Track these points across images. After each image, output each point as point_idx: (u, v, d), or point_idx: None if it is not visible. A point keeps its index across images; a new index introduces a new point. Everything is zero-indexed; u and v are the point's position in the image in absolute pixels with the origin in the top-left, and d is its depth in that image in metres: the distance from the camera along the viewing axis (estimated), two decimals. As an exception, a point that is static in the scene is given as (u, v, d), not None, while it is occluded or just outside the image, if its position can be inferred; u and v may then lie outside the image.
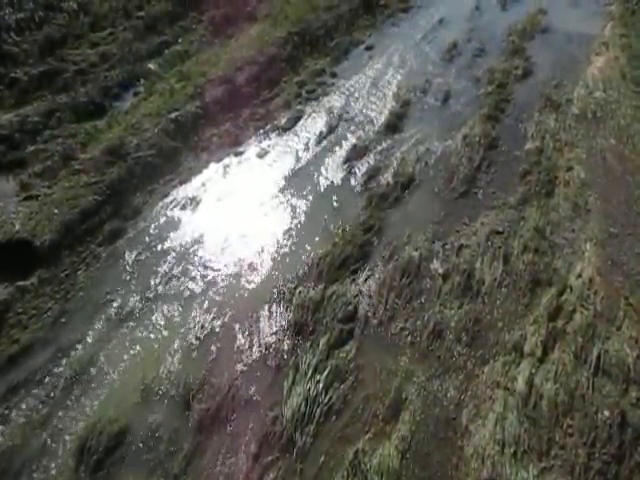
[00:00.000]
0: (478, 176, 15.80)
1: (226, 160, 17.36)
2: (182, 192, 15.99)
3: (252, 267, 13.24)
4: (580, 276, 12.09)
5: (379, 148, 17.41)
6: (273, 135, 18.50)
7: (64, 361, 11.09)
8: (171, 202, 15.62)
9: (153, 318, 11.99)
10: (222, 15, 25.46)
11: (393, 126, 18.35)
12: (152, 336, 11.59)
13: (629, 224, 13.65)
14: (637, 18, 24.14)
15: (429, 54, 22.97)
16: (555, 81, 20.11)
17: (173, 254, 13.78)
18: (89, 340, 11.54)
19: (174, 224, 14.83)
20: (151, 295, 12.57)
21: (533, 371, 10.19)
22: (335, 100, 20.26)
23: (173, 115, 18.39)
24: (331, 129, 18.52)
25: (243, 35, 24.08)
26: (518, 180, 15.48)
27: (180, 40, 24.77)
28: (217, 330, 11.63)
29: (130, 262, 13.59)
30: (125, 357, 11.15)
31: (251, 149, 17.87)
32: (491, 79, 20.52)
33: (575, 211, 14.13)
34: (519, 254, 12.79)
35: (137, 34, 24.43)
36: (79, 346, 11.41)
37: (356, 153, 17.17)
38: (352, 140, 17.86)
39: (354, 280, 12.60)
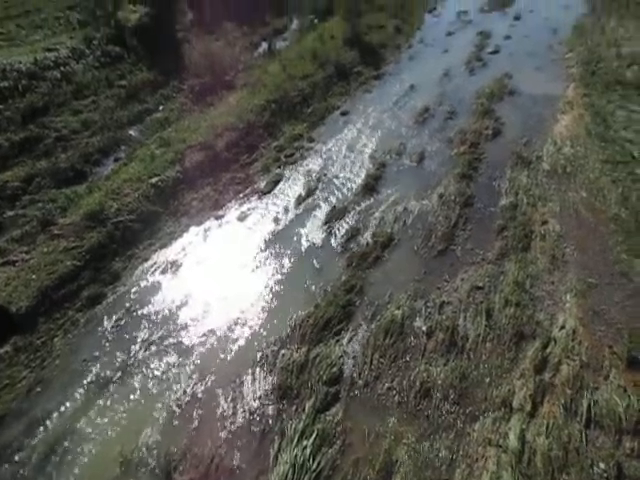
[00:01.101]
0: (456, 233, 16.11)
1: (206, 224, 17.46)
2: (162, 256, 15.94)
3: (234, 330, 13.07)
4: (563, 327, 12.19)
5: (358, 209, 17.72)
6: (253, 198, 18.75)
7: (38, 433, 10.61)
8: (151, 266, 15.52)
9: (133, 386, 11.63)
10: (202, 84, 26.32)
11: (371, 187, 18.78)
12: (131, 405, 11.20)
13: (606, 274, 13.94)
14: (597, 79, 25.65)
15: (402, 118, 23.87)
16: (524, 139, 21.01)
17: (153, 319, 13.56)
18: (65, 410, 11.10)
19: (154, 288, 14.67)
20: (131, 362, 12.25)
21: (524, 426, 10.05)
22: (313, 163, 20.76)
23: (154, 180, 18.59)
24: (310, 191, 18.87)
25: (222, 103, 24.82)
26: (495, 235, 15.83)
27: (161, 108, 25.50)
28: (199, 396, 11.30)
29: (109, 328, 13.31)
30: (103, 427, 10.71)
31: (231, 212, 18.04)
32: (463, 140, 21.34)
33: (553, 263, 14.42)
34: (501, 308, 12.88)
35: (119, 102, 25.09)
36: (55, 416, 10.96)
37: (335, 214, 17.44)
38: (331, 202, 18.18)
39: (338, 341, 12.49)
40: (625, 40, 30.39)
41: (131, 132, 23.18)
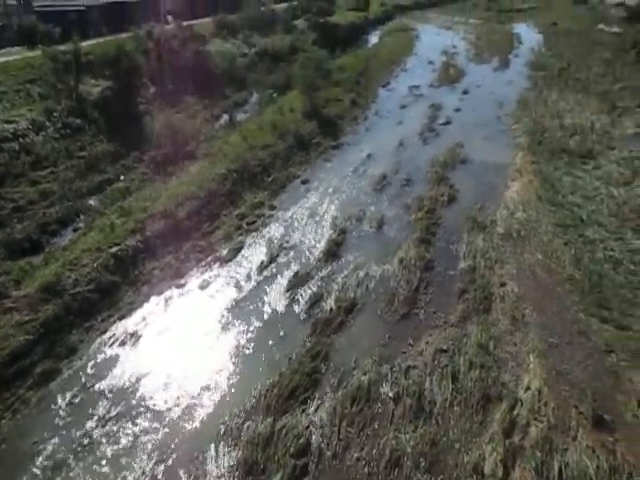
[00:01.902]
0: (418, 297, 16.29)
1: (167, 293, 17.13)
2: (121, 328, 15.42)
3: (197, 403, 12.57)
4: (529, 388, 12.24)
5: (320, 275, 17.78)
6: (215, 266, 18.60)
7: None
8: (110, 338, 14.97)
9: (88, 467, 10.89)
10: (163, 154, 26.57)
11: (332, 253, 18.96)
12: (85, 489, 10.45)
13: (566, 333, 14.24)
14: (543, 147, 27.31)
15: (361, 185, 24.54)
16: (479, 205, 21.87)
17: (111, 394, 12.92)
18: (10, 500, 10.26)
19: (113, 362, 14.09)
20: (86, 441, 11.52)
21: (497, 495, 9.83)
22: (275, 231, 20.91)
23: (113, 250, 18.26)
24: (272, 258, 18.88)
25: (184, 172, 25.02)
26: (456, 298, 16.07)
27: (122, 178, 25.48)
28: (160, 477, 10.66)
29: (63, 406, 12.58)
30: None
31: (193, 281, 17.79)
32: (420, 206, 22.02)
33: (514, 325, 14.67)
34: (466, 371, 12.88)
35: (78, 172, 24.98)
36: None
37: (298, 281, 17.42)
38: (294, 268, 18.19)
39: (304, 411, 12.15)
40: (566, 112, 32.67)
41: (91, 202, 22.99)
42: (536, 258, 17.81)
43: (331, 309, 15.82)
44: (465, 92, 40.08)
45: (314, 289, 16.94)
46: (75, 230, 20.65)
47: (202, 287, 17.39)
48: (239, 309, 16.15)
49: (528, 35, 68.84)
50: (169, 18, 59.42)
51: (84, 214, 21.88)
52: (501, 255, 18.13)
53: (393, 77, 46.37)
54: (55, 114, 28.57)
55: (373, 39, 69.95)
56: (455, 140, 29.28)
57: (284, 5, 76.01)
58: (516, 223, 20.10)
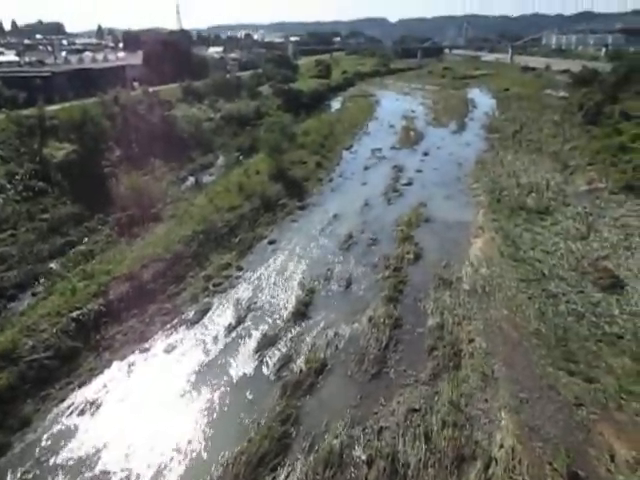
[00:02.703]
0: (388, 355, 16.17)
1: (130, 358, 16.54)
2: (81, 396, 14.70)
3: (160, 475, 11.90)
4: (502, 446, 12.08)
5: (289, 335, 17.54)
6: (181, 329, 18.16)
7: None
8: (68, 408, 14.22)
9: None
10: (128, 216, 26.34)
11: (301, 313, 18.80)
12: None
13: (535, 388, 14.27)
14: (502, 205, 28.31)
15: (328, 245, 24.74)
16: (444, 262, 22.25)
17: (68, 468, 12.14)
18: None
19: (70, 433, 13.32)
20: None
21: None
22: (242, 292, 20.69)
23: (74, 314, 17.67)
24: (240, 320, 18.58)
25: (149, 234, 24.78)
26: (426, 356, 16.02)
27: (85, 240, 25.00)
28: None
29: (13, 484, 11.73)
30: None
31: (157, 345, 17.27)
32: (387, 264, 22.25)
33: (484, 381, 14.63)
34: (439, 430, 12.67)
35: (40, 235, 24.46)
36: None
37: (266, 342, 17.12)
38: (262, 329, 17.91)
39: (275, 479, 11.64)
40: (522, 171, 34.21)
41: (52, 265, 22.40)
42: (502, 313, 18.06)
43: (301, 370, 15.52)
44: (425, 154, 41.64)
45: (283, 350, 16.65)
46: (34, 294, 19.97)
47: (167, 351, 16.88)
48: (206, 373, 15.68)
49: (482, 100, 72.79)
50: (135, 84, 60.60)
51: (44, 278, 21.26)
52: (468, 311, 18.33)
53: (356, 140, 47.95)
54: (17, 177, 28.26)
55: (336, 104, 72.64)
56: (418, 200, 30.11)
57: (249, 72, 78.58)
58: (481, 279, 20.48)
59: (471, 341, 16.54)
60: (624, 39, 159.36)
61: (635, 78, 54.66)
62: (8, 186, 27.39)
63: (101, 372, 15.78)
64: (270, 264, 23.01)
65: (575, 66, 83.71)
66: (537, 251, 22.50)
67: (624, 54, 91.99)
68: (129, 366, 16.13)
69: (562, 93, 70.45)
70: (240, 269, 22.62)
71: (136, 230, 25.35)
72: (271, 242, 25.39)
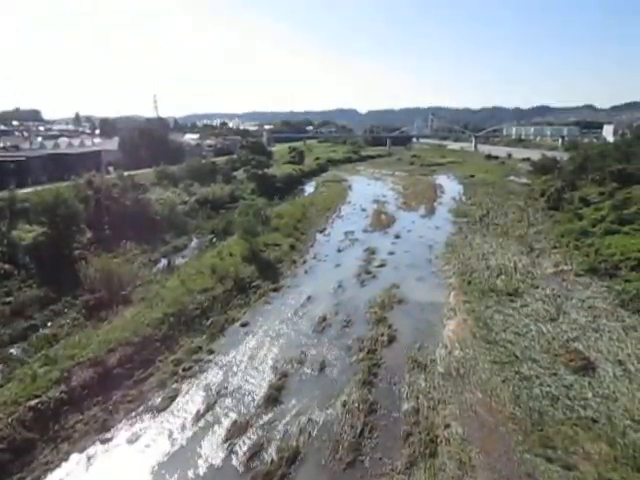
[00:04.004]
0: (362, 442, 15.63)
1: (90, 449, 15.58)
2: (34, 493, 13.66)
3: None
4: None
5: (260, 422, 16.89)
6: (146, 417, 17.33)
7: None
8: (18, 508, 13.15)
9: None
10: (97, 299, 25.76)
11: (273, 399, 18.22)
12: None
13: (514, 476, 13.86)
14: (473, 287, 28.70)
15: (301, 327, 24.44)
16: (418, 344, 22.12)
17: None
18: None
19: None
20: None
21: None
22: (213, 376, 20.06)
23: (33, 402, 16.76)
24: (209, 406, 17.89)
25: (118, 317, 24.14)
26: (402, 442, 15.53)
27: (49, 324, 24.20)
28: None
29: None
30: None
31: (121, 434, 16.39)
32: (361, 347, 22.00)
33: (461, 469, 14.17)
34: (418, 524, 12.04)
35: (2, 319, 23.67)
36: None
37: (236, 430, 16.43)
38: (232, 416, 17.24)
39: None
40: (490, 254, 35.06)
41: (12, 351, 21.52)
42: (477, 397, 17.83)
43: (272, 460, 14.87)
44: (397, 237, 42.53)
45: (254, 438, 15.99)
46: (-9, 383, 18.98)
47: (131, 441, 16.02)
48: (170, 465, 14.86)
49: (449, 185, 75.68)
50: (110, 169, 61.53)
51: (3, 364, 20.33)
52: (443, 395, 18.05)
53: (329, 223, 48.83)
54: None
55: (309, 189, 74.55)
56: (391, 281, 30.37)
57: (224, 158, 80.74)
58: (455, 361, 20.37)
59: (447, 426, 16.16)
60: (578, 131, 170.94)
61: (590, 166, 58.09)
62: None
63: (57, 466, 14.80)
64: (242, 347, 22.53)
65: (535, 155, 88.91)
66: (509, 333, 22.66)
67: (579, 144, 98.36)
68: (88, 459, 15.18)
69: (524, 180, 74.17)
70: (211, 352, 22.05)
71: (104, 313, 24.74)
72: (244, 325, 24.99)
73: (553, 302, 25.90)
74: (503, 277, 29.82)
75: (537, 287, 28.23)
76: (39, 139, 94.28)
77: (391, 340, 22.72)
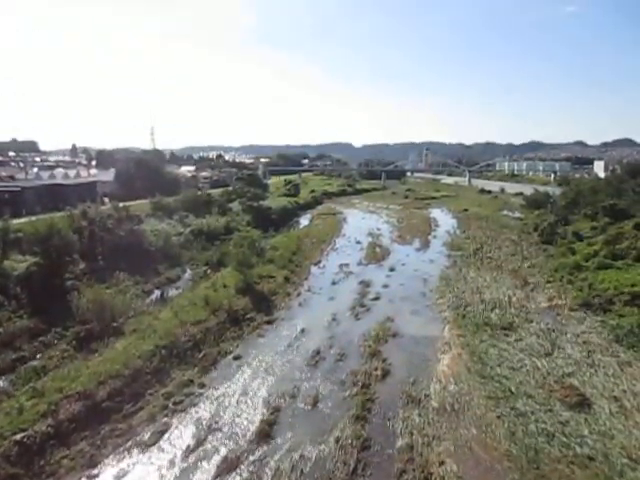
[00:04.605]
0: (356, 480, 15.31)
1: (76, 486, 15.18)
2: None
3: None
4: None
5: (252, 458, 16.54)
6: (135, 452, 16.94)
7: None
8: None
9: None
10: (87, 330, 25.45)
11: (265, 434, 17.88)
12: None
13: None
14: (467, 320, 28.57)
15: (295, 361, 24.17)
16: (412, 378, 21.86)
17: None
18: None
19: None
20: None
21: None
22: (204, 410, 19.71)
23: (18, 436, 16.38)
24: (199, 441, 17.52)
25: (109, 349, 23.82)
26: (395, 480, 15.21)
27: (39, 356, 23.85)
28: None
29: None
30: None
31: (108, 470, 16.00)
32: (355, 381, 21.73)
33: (457, 511, 13.83)
34: None
35: (-10, 350, 23.36)
36: None
37: (227, 466, 16.07)
38: (222, 452, 16.89)
39: None
40: (485, 288, 35.02)
41: (-1, 383, 21.16)
42: (472, 433, 17.55)
43: (262, 498, 14.45)
44: (391, 269, 42.52)
45: (244, 475, 15.66)
46: (-24, 414, 18.55)
47: (118, 477, 15.65)
48: (159, 503, 14.42)
49: (443, 219, 76.14)
50: (106, 200, 61.71)
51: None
52: (437, 431, 17.76)
53: (324, 256, 48.83)
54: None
55: (304, 221, 74.82)
56: (385, 314, 30.23)
57: (220, 190, 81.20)
58: (449, 396, 20.12)
59: (442, 463, 15.85)
60: (570, 166, 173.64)
61: (583, 201, 58.77)
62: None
63: (41, 508, 14.36)
64: (234, 381, 22.22)
65: (527, 189, 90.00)
66: (504, 367, 22.45)
67: (571, 180, 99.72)
68: (74, 496, 14.76)
69: (518, 214, 74.84)
70: (203, 386, 21.71)
71: (95, 345, 24.40)
72: (236, 358, 24.71)
73: (548, 336, 25.79)
74: (497, 311, 29.75)
75: (531, 321, 28.14)
76: (35, 170, 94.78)
77: (385, 374, 22.47)
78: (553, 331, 26.55)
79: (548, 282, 36.12)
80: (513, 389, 20.48)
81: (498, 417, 18.44)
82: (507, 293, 33.32)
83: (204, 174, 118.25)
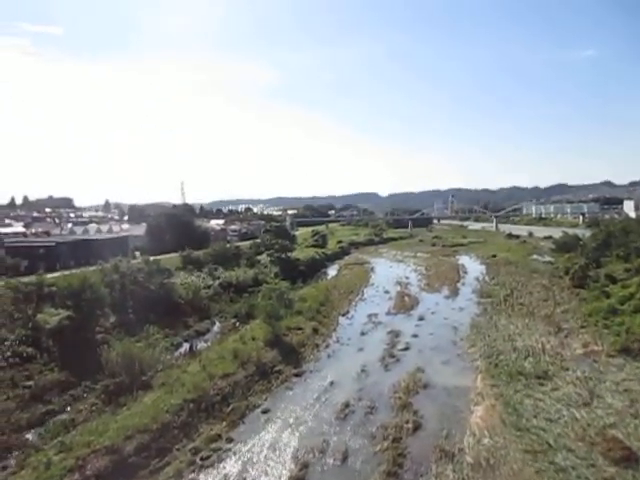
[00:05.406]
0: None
1: None
2: None
3: None
4: None
5: (279, 519, 16.07)
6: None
7: None
8: None
9: None
10: (116, 384, 25.53)
11: (293, 494, 17.40)
12: None
13: None
14: (500, 370, 27.63)
15: (324, 414, 23.68)
16: (444, 432, 21.10)
17: None
18: None
19: None
20: None
21: None
22: (231, 466, 19.35)
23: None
24: (227, 499, 17.15)
25: (137, 403, 23.79)
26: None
27: (68, 409, 23.99)
28: None
29: None
30: None
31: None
32: (385, 435, 21.09)
33: None
34: None
35: (21, 403, 23.67)
36: None
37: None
38: (250, 512, 16.45)
39: None
40: (517, 335, 34.06)
41: (29, 436, 21.22)
42: (510, 493, 16.71)
43: None
44: (421, 318, 41.90)
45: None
46: (4, 468, 18.65)
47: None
48: None
49: (472, 266, 75.23)
50: (137, 253, 63.11)
51: (18, 450, 20.00)
52: (474, 491, 16.97)
53: (352, 306, 48.51)
54: (7, 342, 28.31)
55: (332, 272, 74.86)
56: (415, 365, 29.60)
57: (248, 242, 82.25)
58: (484, 450, 19.28)
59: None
60: (598, 207, 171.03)
61: (614, 243, 57.48)
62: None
63: None
64: (263, 435, 21.83)
65: (556, 233, 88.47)
66: (540, 419, 21.50)
67: (601, 221, 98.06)
68: None
69: (547, 258, 73.43)
70: (230, 441, 21.39)
71: (123, 398, 24.44)
72: (265, 411, 24.35)
73: (585, 385, 24.70)
74: (531, 359, 28.79)
75: (567, 369, 27.10)
76: (69, 225, 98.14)
77: (417, 427, 21.78)
78: (591, 379, 25.43)
79: (582, 327, 34.99)
80: (551, 442, 19.50)
81: (537, 472, 17.54)
82: (540, 340, 32.31)
83: (233, 227, 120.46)
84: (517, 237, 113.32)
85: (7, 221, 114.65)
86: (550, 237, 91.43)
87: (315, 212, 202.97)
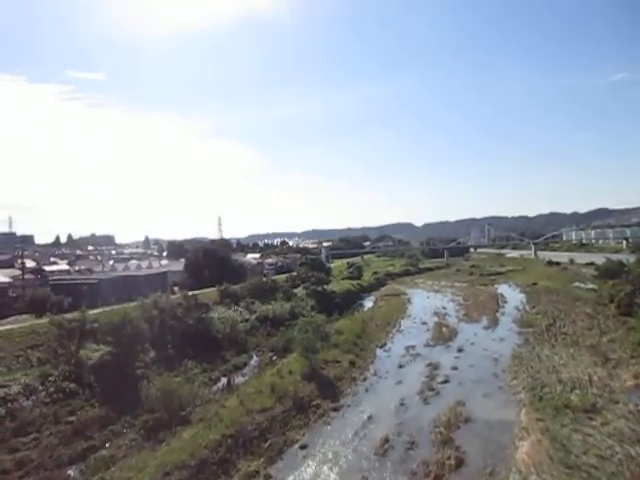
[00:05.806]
0: None
1: None
2: None
3: None
4: None
5: None
6: None
7: None
8: None
9: None
10: (156, 419, 25.67)
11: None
12: None
13: None
14: (546, 403, 26.54)
15: (362, 450, 23.19)
16: (489, 468, 20.34)
17: None
18: None
19: None
20: None
21: None
22: (270, 504, 19.09)
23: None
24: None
25: (176, 439, 23.82)
26: None
27: (108, 445, 24.17)
28: None
29: None
30: None
31: None
32: (427, 472, 20.47)
33: None
34: None
35: (63, 439, 23.97)
36: None
37: None
38: None
39: None
40: (561, 366, 32.82)
41: (70, 472, 21.46)
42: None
43: None
44: (460, 350, 40.95)
45: None
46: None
47: None
48: None
49: (511, 294, 73.52)
50: (176, 289, 64.19)
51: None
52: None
53: (389, 338, 47.86)
54: (51, 378, 28.98)
55: (368, 303, 74.28)
56: (456, 398, 28.82)
57: (284, 276, 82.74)
58: (532, 491, 18.44)
59: None
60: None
61: (662, 268, 55.25)
62: (40, 388, 27.89)
63: None
64: (301, 471, 21.50)
65: (599, 259, 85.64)
66: (591, 456, 20.42)
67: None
68: None
69: (590, 285, 71.12)
70: (268, 477, 21.11)
71: (162, 434, 24.49)
72: (303, 447, 24.01)
73: (638, 419, 23.52)
74: (577, 391, 27.60)
75: (617, 402, 25.83)
76: (111, 262, 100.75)
77: (459, 464, 21.04)
78: (644, 413, 24.23)
79: (632, 358, 33.43)
80: (604, 481, 18.52)
81: (591, 515, 16.65)
82: (587, 371, 30.99)
83: (269, 261, 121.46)
84: (557, 264, 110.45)
85: (52, 259, 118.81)
86: (592, 263, 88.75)
87: (350, 244, 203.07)
